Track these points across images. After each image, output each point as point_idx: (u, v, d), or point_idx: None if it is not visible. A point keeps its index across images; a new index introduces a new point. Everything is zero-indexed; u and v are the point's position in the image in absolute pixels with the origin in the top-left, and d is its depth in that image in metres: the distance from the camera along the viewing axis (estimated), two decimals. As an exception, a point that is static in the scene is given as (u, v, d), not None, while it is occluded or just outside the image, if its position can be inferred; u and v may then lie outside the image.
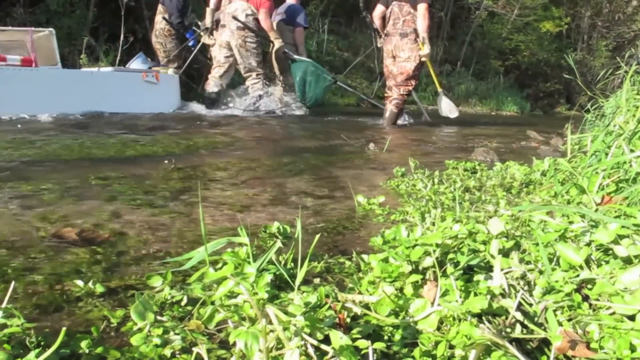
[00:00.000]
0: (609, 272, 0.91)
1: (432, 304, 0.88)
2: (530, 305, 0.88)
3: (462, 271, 0.98)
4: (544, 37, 14.28)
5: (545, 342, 0.81)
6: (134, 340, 0.79)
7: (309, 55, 6.73)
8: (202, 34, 6.14)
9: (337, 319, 0.85)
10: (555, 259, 1.01)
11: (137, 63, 5.72)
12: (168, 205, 1.71)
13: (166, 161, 2.47)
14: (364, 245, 1.38)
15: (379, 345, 0.79)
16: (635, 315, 0.80)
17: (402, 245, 1.03)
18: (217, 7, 5.87)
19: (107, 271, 1.13)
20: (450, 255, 1.04)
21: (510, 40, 13.83)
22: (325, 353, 0.73)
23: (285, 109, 6.12)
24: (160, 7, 6.30)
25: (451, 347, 0.79)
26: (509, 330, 0.81)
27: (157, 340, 0.79)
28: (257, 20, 5.73)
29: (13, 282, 0.97)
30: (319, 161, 2.82)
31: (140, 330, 0.82)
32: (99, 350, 0.78)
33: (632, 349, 0.73)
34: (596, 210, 1.44)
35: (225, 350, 0.81)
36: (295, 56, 6.11)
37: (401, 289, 0.97)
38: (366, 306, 0.93)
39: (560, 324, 0.83)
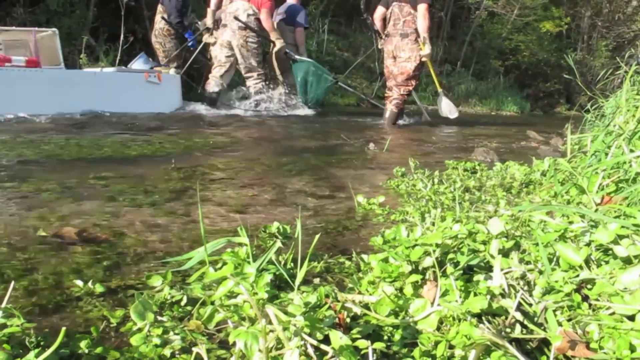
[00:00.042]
0: (609, 272, 0.91)
1: (432, 304, 0.88)
2: (530, 305, 0.88)
3: (462, 271, 0.98)
4: (544, 37, 14.28)
5: (545, 342, 0.81)
6: (134, 340, 0.79)
7: (309, 55, 6.73)
8: (203, 33, 6.15)
9: (337, 319, 0.85)
10: (555, 259, 1.01)
11: (139, 63, 5.73)
12: (168, 205, 1.71)
13: (173, 162, 2.47)
14: (364, 245, 1.38)
15: (379, 345, 0.79)
16: (635, 316, 0.80)
17: (402, 245, 1.03)
18: (218, 7, 5.87)
19: (107, 271, 1.13)
20: (450, 255, 1.04)
21: (510, 40, 13.83)
22: (325, 353, 0.73)
23: (287, 109, 6.13)
24: (159, 7, 6.31)
25: (451, 347, 0.79)
26: (508, 330, 0.81)
27: (156, 340, 0.79)
28: (258, 20, 5.73)
29: (13, 282, 0.97)
30: (319, 161, 2.82)
31: (139, 330, 0.82)
32: (99, 350, 0.78)
33: (632, 349, 0.73)
34: (596, 210, 1.44)
35: (225, 350, 0.81)
36: (297, 56, 6.11)
37: (401, 289, 0.97)
38: (366, 306, 0.93)
39: (560, 324, 0.83)
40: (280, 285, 1.04)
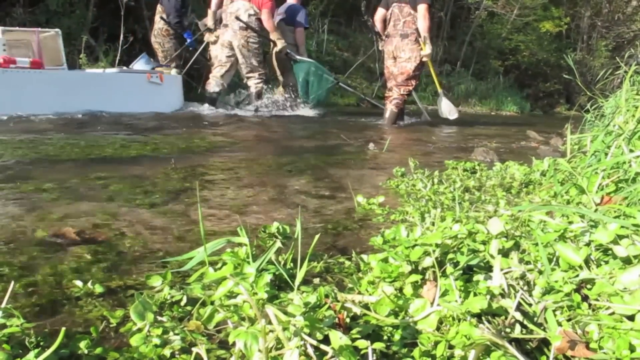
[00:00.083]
0: (609, 272, 0.91)
1: (432, 304, 0.88)
2: (530, 305, 0.89)
3: (461, 271, 0.98)
4: (544, 37, 14.27)
5: (545, 342, 0.81)
6: (134, 340, 0.79)
7: (308, 55, 6.73)
8: (204, 33, 6.15)
9: (337, 319, 0.85)
10: (554, 259, 1.01)
11: (140, 64, 5.75)
12: (168, 205, 1.71)
13: (173, 162, 2.47)
14: (364, 245, 1.38)
15: (379, 345, 0.79)
16: (635, 316, 0.80)
17: (402, 245, 1.03)
18: (219, 7, 5.86)
19: (107, 271, 1.13)
20: (450, 255, 1.04)
21: (510, 40, 13.82)
22: (325, 353, 0.73)
23: (288, 109, 6.13)
24: (158, 7, 6.31)
25: (451, 347, 0.79)
26: (508, 330, 0.82)
27: (156, 341, 0.79)
28: (259, 20, 5.73)
29: (13, 282, 0.97)
30: (319, 161, 2.82)
31: (139, 330, 0.82)
32: (98, 350, 0.78)
33: (632, 349, 0.73)
34: (596, 210, 1.44)
35: (225, 350, 0.81)
36: (298, 57, 6.11)
37: (401, 289, 0.97)
38: (366, 306, 0.93)
39: (559, 324, 0.83)
40: (280, 285, 1.04)
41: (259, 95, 6.01)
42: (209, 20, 5.91)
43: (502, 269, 0.97)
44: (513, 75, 13.95)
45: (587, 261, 0.95)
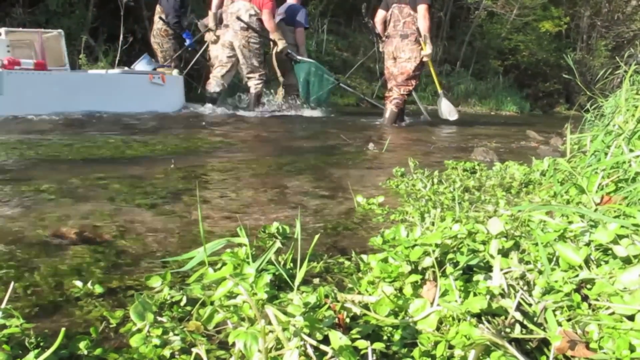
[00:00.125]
0: (608, 272, 0.91)
1: (432, 304, 0.88)
2: (530, 305, 0.88)
3: (461, 271, 0.98)
4: (543, 37, 14.27)
5: (545, 342, 0.81)
6: (133, 341, 0.79)
7: (308, 56, 6.72)
8: (204, 34, 6.15)
9: (337, 319, 0.85)
10: (554, 259, 1.01)
11: (142, 64, 5.77)
12: (168, 206, 1.71)
13: (173, 162, 2.47)
14: (364, 245, 1.38)
15: (378, 345, 0.79)
16: (635, 315, 0.80)
17: (402, 245, 1.03)
18: (219, 8, 5.86)
19: (107, 271, 1.13)
20: (450, 255, 1.04)
21: (510, 40, 13.83)
22: (325, 353, 0.73)
23: (288, 109, 6.14)
24: (158, 7, 6.31)
25: (450, 347, 0.78)
26: (508, 330, 0.81)
27: (156, 341, 0.79)
28: (260, 20, 5.73)
29: (12, 282, 0.97)
30: (319, 161, 2.82)
31: (139, 330, 0.82)
32: (98, 351, 0.78)
33: (632, 349, 0.73)
34: (595, 210, 1.44)
35: (225, 350, 0.80)
36: (298, 57, 6.11)
37: (400, 289, 0.97)
38: (365, 306, 0.93)
39: (559, 324, 0.83)
40: (279, 285, 1.04)
41: (259, 97, 6.01)
42: (210, 22, 5.91)
43: (502, 269, 0.97)
44: (513, 75, 13.95)
45: (587, 261, 0.95)
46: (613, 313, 0.83)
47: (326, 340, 0.75)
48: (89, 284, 1.02)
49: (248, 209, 1.73)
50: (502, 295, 0.91)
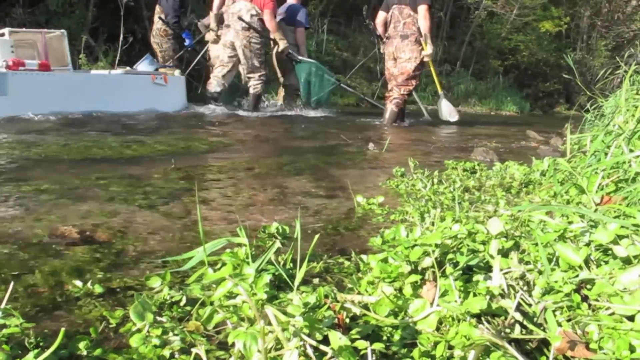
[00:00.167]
0: (608, 272, 0.91)
1: (431, 304, 0.88)
2: (530, 305, 0.88)
3: (461, 271, 0.98)
4: (543, 37, 14.26)
5: (545, 343, 0.81)
6: (133, 341, 0.79)
7: (308, 56, 6.72)
8: (205, 34, 6.15)
9: (336, 320, 0.85)
10: (554, 259, 1.01)
11: (144, 65, 5.79)
12: (167, 206, 1.71)
13: (173, 162, 2.47)
14: (363, 245, 1.38)
15: (378, 345, 0.79)
16: (635, 316, 0.80)
17: (402, 246, 1.03)
18: (221, 7, 5.86)
19: (107, 271, 1.13)
20: (450, 256, 1.04)
21: (510, 40, 13.82)
22: (324, 353, 0.73)
23: (289, 109, 6.14)
24: (157, 7, 6.31)
25: (450, 347, 0.78)
26: (508, 330, 0.81)
27: (156, 341, 0.79)
28: (261, 20, 5.73)
29: (12, 282, 0.97)
30: (319, 161, 2.82)
31: (139, 330, 0.82)
32: (98, 351, 0.78)
33: (632, 349, 0.73)
34: (595, 210, 1.44)
35: (224, 351, 0.80)
36: (299, 57, 6.11)
37: (400, 289, 0.97)
38: (365, 306, 0.93)
39: (559, 325, 0.83)
40: (279, 285, 1.04)
41: (258, 97, 6.01)
42: (211, 22, 5.91)
43: (501, 269, 0.97)
44: (513, 75, 13.94)
45: (587, 261, 0.95)
46: (613, 313, 0.83)
47: (326, 341, 0.75)
48: (88, 284, 1.02)
49: (248, 209, 1.73)
50: (502, 296, 0.90)
